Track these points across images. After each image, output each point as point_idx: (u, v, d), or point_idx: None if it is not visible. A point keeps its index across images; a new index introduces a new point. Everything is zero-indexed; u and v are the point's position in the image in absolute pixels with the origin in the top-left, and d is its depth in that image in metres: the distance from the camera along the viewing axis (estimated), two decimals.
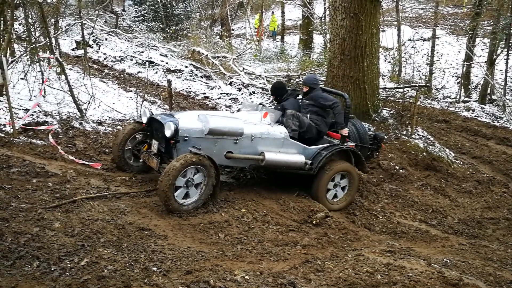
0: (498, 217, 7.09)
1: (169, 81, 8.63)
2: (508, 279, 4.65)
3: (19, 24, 10.99)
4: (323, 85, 8.57)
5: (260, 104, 6.84)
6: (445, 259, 4.97)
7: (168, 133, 5.28)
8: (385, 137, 8.18)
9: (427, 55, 16.92)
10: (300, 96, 6.92)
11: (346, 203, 6.43)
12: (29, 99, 7.75)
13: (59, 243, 3.90)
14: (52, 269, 3.51)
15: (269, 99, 10.66)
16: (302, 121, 6.23)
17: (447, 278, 4.18)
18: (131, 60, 13.95)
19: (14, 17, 8.10)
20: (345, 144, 6.40)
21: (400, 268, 4.34)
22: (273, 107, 7.25)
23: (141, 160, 6.05)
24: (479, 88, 14.88)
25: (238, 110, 6.98)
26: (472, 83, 15.58)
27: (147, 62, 13.62)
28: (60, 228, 4.19)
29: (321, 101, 6.45)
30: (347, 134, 6.47)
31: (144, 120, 5.90)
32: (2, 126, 6.54)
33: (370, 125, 8.60)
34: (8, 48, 7.60)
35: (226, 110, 10.23)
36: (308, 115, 6.43)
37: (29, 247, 3.74)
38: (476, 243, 6.03)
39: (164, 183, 4.87)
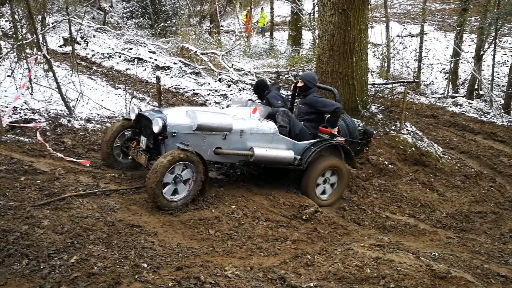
0: (485, 211, 7.18)
1: (158, 78, 8.58)
2: (495, 271, 4.71)
3: (6, 21, 10.85)
4: None
5: (250, 99, 6.82)
6: (433, 253, 5.02)
7: (156, 129, 5.25)
8: (374, 132, 8.23)
9: (416, 51, 17.03)
10: (282, 90, 6.86)
11: (336, 198, 6.47)
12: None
13: (48, 241, 3.88)
14: (42, 267, 3.49)
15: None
16: (293, 122, 6.20)
17: (435, 271, 4.23)
18: (120, 57, 13.84)
19: (0, 14, 8.01)
20: (334, 139, 6.41)
21: (389, 262, 4.38)
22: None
23: (130, 157, 6.04)
24: (466, 84, 15.04)
25: (227, 106, 6.97)
26: (460, 78, 15.74)
27: (135, 59, 13.53)
28: (49, 226, 4.17)
29: (320, 108, 6.36)
30: (335, 133, 6.45)
31: (133, 116, 5.87)
32: None
33: (360, 120, 8.65)
34: None
35: (216, 106, 10.20)
36: (302, 123, 6.38)
37: (18, 245, 3.72)
38: (464, 237, 6.10)
39: (152, 180, 4.86)
